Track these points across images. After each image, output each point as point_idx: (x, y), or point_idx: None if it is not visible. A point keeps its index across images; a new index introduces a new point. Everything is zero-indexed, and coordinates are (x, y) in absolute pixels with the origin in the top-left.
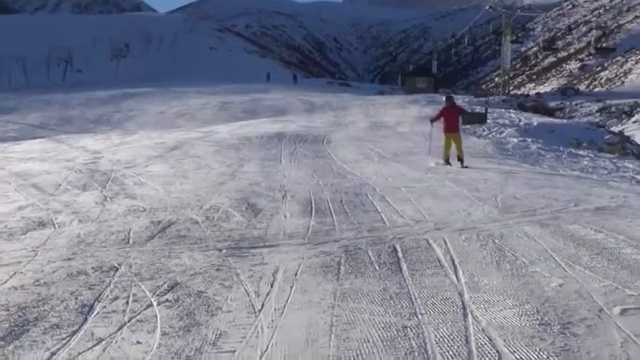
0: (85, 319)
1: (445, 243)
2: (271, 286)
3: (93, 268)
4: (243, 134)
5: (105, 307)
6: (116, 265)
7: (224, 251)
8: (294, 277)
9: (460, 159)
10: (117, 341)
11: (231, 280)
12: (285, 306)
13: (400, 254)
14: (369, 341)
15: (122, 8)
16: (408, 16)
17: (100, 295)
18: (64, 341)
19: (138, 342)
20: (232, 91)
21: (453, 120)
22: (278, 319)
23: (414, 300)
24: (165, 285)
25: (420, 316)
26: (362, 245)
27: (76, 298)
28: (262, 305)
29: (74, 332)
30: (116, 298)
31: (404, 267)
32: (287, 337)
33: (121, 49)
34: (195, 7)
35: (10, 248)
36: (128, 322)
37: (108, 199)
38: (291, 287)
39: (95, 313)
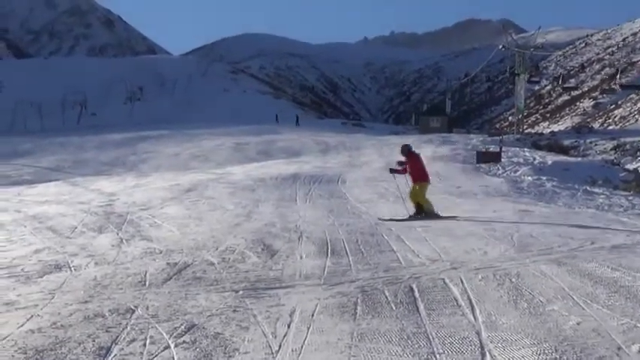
0: None
1: (462, 282)
2: (288, 327)
3: (110, 310)
4: (257, 175)
5: (122, 349)
6: (133, 307)
7: (240, 292)
8: (311, 317)
9: (420, 207)
10: None
11: (248, 322)
12: (302, 347)
13: (417, 294)
14: None
15: (136, 51)
16: (421, 56)
17: (117, 337)
18: None
19: None
20: (246, 132)
21: (413, 170)
22: None
23: (431, 339)
24: (183, 327)
25: (437, 356)
26: (378, 285)
27: (94, 341)
28: (279, 346)
29: None
30: (133, 340)
31: (421, 307)
32: None
33: (135, 92)
34: (209, 49)
35: (26, 291)
36: None
37: (124, 241)
38: (308, 328)
39: (112, 355)
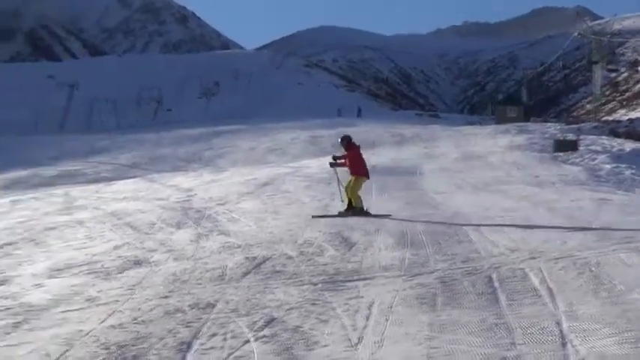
0: (184, 357)
1: (541, 272)
2: (368, 319)
3: (190, 305)
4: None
5: (203, 344)
6: (213, 301)
7: (319, 285)
8: (390, 309)
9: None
10: None
11: (327, 314)
12: (382, 339)
13: (496, 284)
14: None
15: (210, 46)
16: (495, 46)
17: (197, 332)
18: None
19: None
20: (321, 126)
21: (348, 162)
22: (376, 352)
23: (512, 330)
24: (262, 321)
25: (518, 347)
26: (457, 276)
27: (174, 336)
28: (359, 339)
29: None
30: (214, 334)
31: (501, 297)
32: None
33: (210, 87)
34: (283, 43)
35: (107, 287)
36: (226, 358)
37: (202, 236)
38: (388, 320)
39: (193, 350)
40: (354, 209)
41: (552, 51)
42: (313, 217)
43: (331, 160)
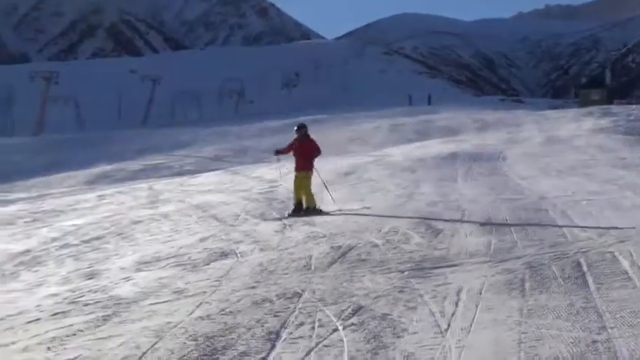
0: (273, 346)
1: (631, 255)
2: (456, 306)
3: (277, 295)
4: (416, 156)
5: (291, 333)
6: (299, 291)
7: (406, 273)
8: (479, 295)
9: (306, 206)
10: None
11: (415, 302)
12: (471, 325)
13: (585, 268)
14: (558, 357)
15: (291, 37)
16: (577, 28)
17: (285, 321)
18: None
19: None
20: (402, 113)
21: (298, 155)
22: (465, 339)
23: (602, 314)
24: (350, 309)
25: (609, 330)
26: (545, 261)
27: (262, 326)
28: (448, 325)
29: (262, 359)
30: (302, 324)
31: (589, 281)
32: (475, 356)
33: (292, 78)
34: (363, 31)
35: (194, 279)
36: (315, 347)
37: (287, 226)
38: (476, 306)
39: (282, 339)
40: (308, 209)
41: (636, 32)
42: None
43: (278, 149)
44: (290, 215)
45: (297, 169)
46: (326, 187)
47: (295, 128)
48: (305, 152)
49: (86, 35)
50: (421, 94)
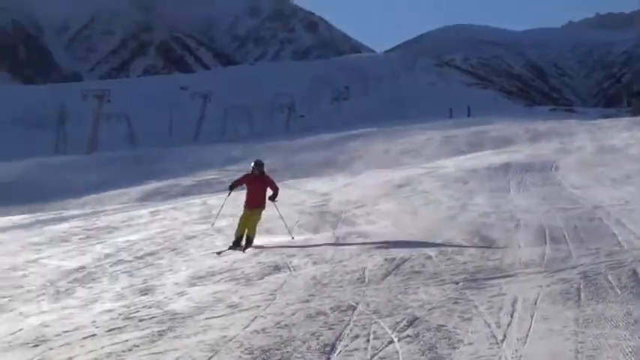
0: (328, 359)
1: None
2: (511, 317)
3: (331, 308)
4: (469, 167)
5: (346, 345)
6: (354, 304)
7: (460, 284)
8: (534, 305)
9: (248, 239)
10: None
11: (470, 313)
12: (527, 335)
13: None
14: None
15: (340, 51)
16: (629, 36)
17: (340, 334)
18: None
19: None
20: (454, 125)
21: (254, 192)
22: (521, 349)
23: None
24: (405, 321)
25: None
26: (601, 270)
27: (317, 339)
28: (504, 336)
29: None
30: (357, 336)
31: None
32: None
33: (342, 92)
34: (413, 43)
35: (249, 293)
36: (370, 359)
37: (340, 239)
38: (532, 316)
39: (337, 352)
40: (249, 242)
41: None
42: (217, 253)
43: (232, 183)
44: (230, 248)
45: (250, 206)
46: (283, 220)
47: (253, 164)
48: (261, 190)
49: (137, 53)
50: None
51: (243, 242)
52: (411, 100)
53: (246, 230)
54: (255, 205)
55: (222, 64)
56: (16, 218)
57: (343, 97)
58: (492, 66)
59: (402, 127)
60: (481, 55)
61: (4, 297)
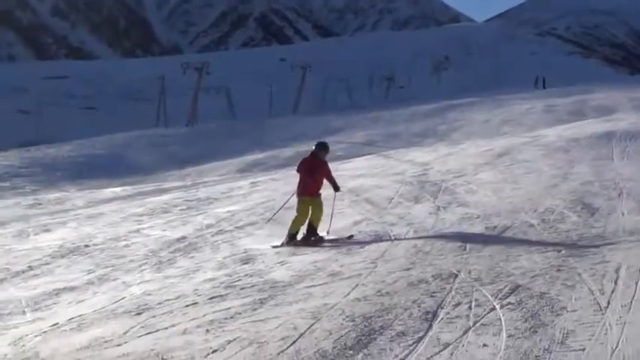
0: (430, 326)
1: None
2: (615, 284)
3: (432, 276)
4: (570, 136)
5: (448, 313)
6: (455, 271)
7: (563, 252)
8: (638, 273)
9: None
10: (463, 345)
11: (573, 280)
12: (631, 302)
13: None
14: None
15: (440, 21)
16: None
17: (442, 301)
18: (411, 347)
19: (484, 345)
20: (555, 94)
21: (307, 178)
22: (626, 316)
23: None
24: (507, 288)
25: None
26: None
27: (419, 306)
28: (608, 303)
29: (420, 338)
30: (458, 303)
31: None
32: (637, 332)
33: (442, 62)
34: (514, 12)
35: (349, 261)
36: (473, 326)
37: (441, 208)
38: (637, 283)
39: (439, 319)
40: (316, 235)
41: None
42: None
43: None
44: (282, 245)
45: (317, 194)
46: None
47: (318, 147)
48: (312, 173)
49: (236, 25)
50: (576, 75)
51: (299, 237)
52: (511, 69)
53: (310, 217)
54: (317, 193)
55: (321, 35)
56: (118, 190)
57: (443, 68)
58: (595, 35)
59: (503, 96)
60: (583, 23)
61: (107, 267)
